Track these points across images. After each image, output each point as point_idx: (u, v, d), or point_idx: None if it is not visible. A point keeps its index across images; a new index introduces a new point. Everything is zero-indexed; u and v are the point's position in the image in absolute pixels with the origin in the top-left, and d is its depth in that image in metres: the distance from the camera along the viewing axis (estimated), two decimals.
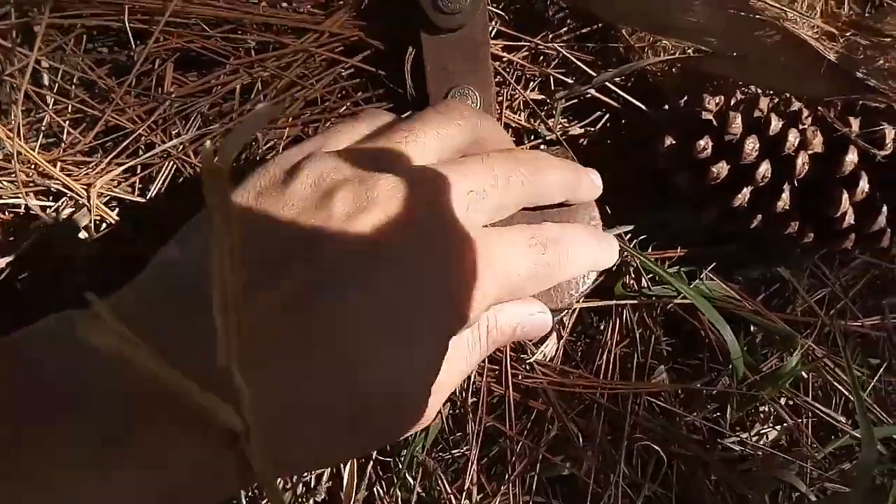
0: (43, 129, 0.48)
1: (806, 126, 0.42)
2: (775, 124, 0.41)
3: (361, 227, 0.30)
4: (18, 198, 0.46)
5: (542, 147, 0.49)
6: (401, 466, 0.44)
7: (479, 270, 0.32)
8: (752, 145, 0.41)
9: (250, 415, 0.24)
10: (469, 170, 0.34)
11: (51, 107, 0.48)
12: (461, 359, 0.35)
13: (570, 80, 0.49)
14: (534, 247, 0.35)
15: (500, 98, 0.49)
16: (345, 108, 0.49)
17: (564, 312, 0.47)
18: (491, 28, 0.48)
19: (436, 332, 0.31)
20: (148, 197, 0.47)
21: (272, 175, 0.32)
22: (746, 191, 0.42)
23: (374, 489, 0.45)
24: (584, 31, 0.49)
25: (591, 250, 0.38)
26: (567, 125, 0.50)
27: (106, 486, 0.24)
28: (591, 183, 0.41)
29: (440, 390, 0.33)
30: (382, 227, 0.30)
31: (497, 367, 0.46)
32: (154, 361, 0.22)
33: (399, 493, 0.45)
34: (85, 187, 0.46)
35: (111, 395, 0.25)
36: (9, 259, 0.45)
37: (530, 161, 0.37)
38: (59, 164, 0.47)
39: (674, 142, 0.44)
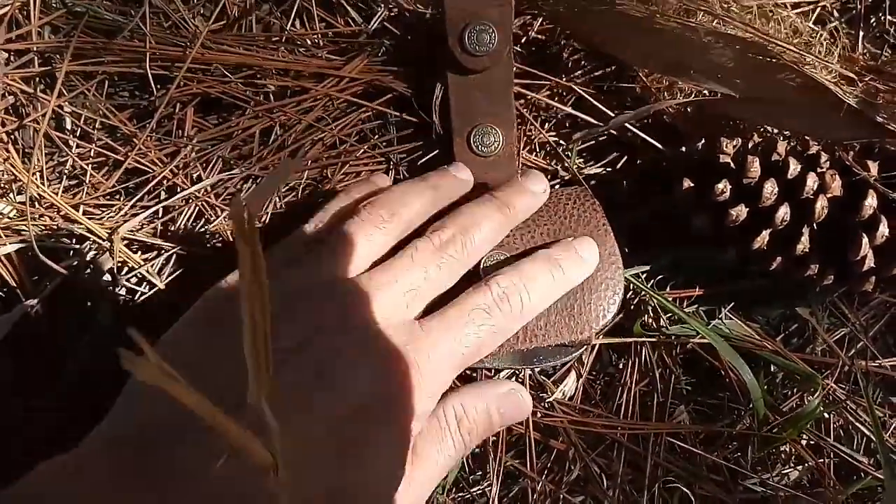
0: (66, 172, 0.49)
1: (825, 169, 0.42)
2: (793, 168, 0.42)
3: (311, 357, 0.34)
4: (41, 242, 0.46)
5: (556, 187, 0.49)
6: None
7: (412, 371, 0.36)
8: (770, 189, 0.42)
9: (278, 450, 0.25)
10: (399, 271, 0.39)
11: (73, 150, 0.49)
12: (431, 457, 0.37)
13: (587, 120, 0.49)
14: (473, 316, 0.39)
15: (519, 136, 0.50)
16: (363, 150, 0.50)
17: (584, 349, 0.47)
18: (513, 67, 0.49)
19: (388, 444, 0.35)
20: (170, 240, 0.47)
21: None
22: (766, 233, 0.43)
23: None
24: (598, 73, 0.50)
25: (553, 283, 0.42)
26: (583, 165, 0.50)
27: None
28: (525, 205, 0.45)
29: (418, 491, 0.36)
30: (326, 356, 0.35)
31: None
32: (193, 396, 0.22)
33: None
34: (108, 231, 0.46)
35: None
36: (33, 302, 0.45)
37: (458, 234, 0.41)
38: (81, 207, 0.47)
39: (692, 185, 0.44)
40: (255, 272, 0.24)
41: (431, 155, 0.49)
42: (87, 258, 0.47)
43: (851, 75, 0.42)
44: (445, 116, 0.47)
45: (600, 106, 0.49)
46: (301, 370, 0.34)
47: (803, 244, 0.42)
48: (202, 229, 0.48)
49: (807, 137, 0.45)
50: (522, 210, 0.44)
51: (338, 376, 0.34)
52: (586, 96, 0.49)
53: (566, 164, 0.49)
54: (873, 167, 0.42)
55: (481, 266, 0.43)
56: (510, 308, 0.40)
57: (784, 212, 0.42)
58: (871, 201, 0.41)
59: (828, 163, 0.43)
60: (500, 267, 0.43)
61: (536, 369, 0.47)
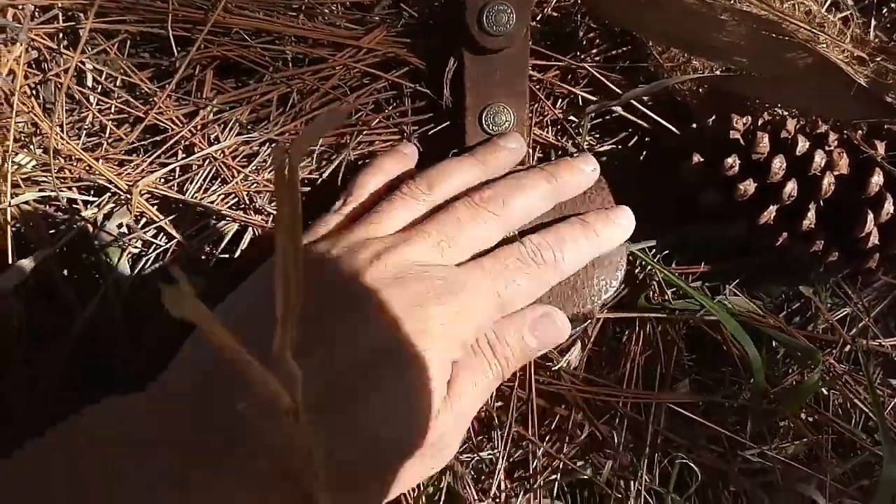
0: (85, 128, 0.50)
1: (832, 148, 0.43)
2: (802, 145, 0.43)
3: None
4: (61, 192, 0.47)
5: None
6: None
7: (441, 309, 0.36)
8: (779, 164, 0.42)
9: (300, 398, 0.26)
10: (434, 224, 0.40)
11: (94, 106, 0.50)
12: (467, 389, 0.38)
13: (599, 99, 0.50)
14: (509, 263, 0.40)
15: (530, 115, 0.51)
16: (378, 120, 0.51)
17: (588, 322, 0.48)
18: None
19: (411, 383, 0.35)
20: (187, 196, 0.48)
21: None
22: (773, 208, 0.44)
23: None
24: (613, 51, 0.51)
25: (587, 242, 0.43)
26: (595, 143, 0.51)
27: None
28: (574, 181, 0.45)
29: (454, 423, 0.37)
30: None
31: (522, 373, 0.47)
32: (225, 336, 0.23)
33: (428, 491, 0.45)
34: (127, 184, 0.47)
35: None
36: (48, 252, 0.46)
37: (500, 193, 0.42)
38: (100, 161, 0.48)
39: (702, 160, 0.45)
40: (291, 221, 0.25)
41: (441, 127, 0.50)
42: (105, 210, 0.47)
43: (863, 56, 0.43)
44: (457, 92, 0.48)
45: (612, 86, 0.49)
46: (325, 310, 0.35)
47: (809, 220, 0.43)
48: (218, 189, 0.48)
49: (816, 116, 0.46)
50: (570, 184, 0.45)
51: (358, 317, 0.35)
52: (598, 76, 0.50)
53: (576, 141, 0.50)
54: (880, 147, 0.43)
55: None
56: (544, 260, 0.41)
57: (791, 187, 0.43)
58: (877, 178, 0.42)
59: (836, 141, 0.44)
60: (507, 240, 0.43)
61: None
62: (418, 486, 0.46)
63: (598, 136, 0.51)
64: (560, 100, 0.51)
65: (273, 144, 0.49)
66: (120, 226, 0.47)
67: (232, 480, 0.30)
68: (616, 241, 0.44)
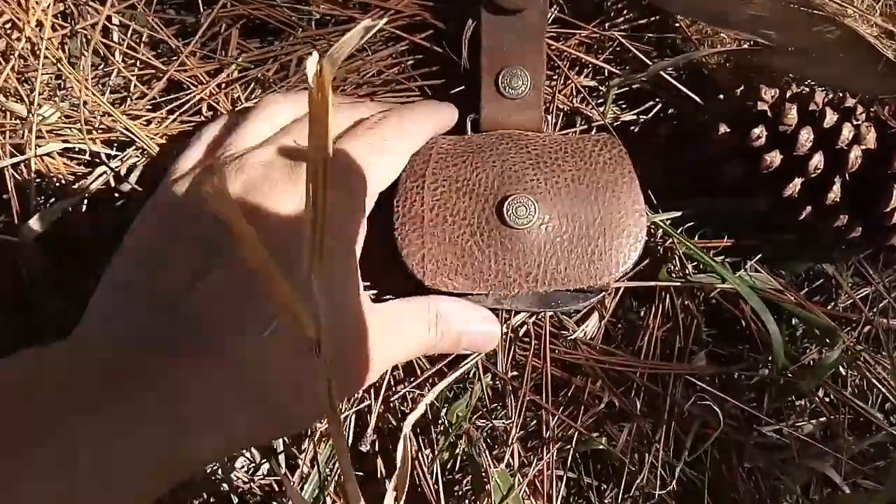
0: (111, 83, 0.50)
1: (860, 121, 0.43)
2: (830, 117, 0.42)
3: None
4: (84, 144, 0.47)
5: (593, 131, 0.50)
6: (448, 429, 0.45)
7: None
8: (806, 136, 0.42)
9: (322, 325, 0.26)
10: None
11: (119, 61, 0.50)
12: (405, 329, 0.40)
13: (625, 69, 0.50)
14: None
15: (554, 83, 0.51)
16: (398, 81, 0.51)
17: (602, 296, 0.48)
18: (549, 13, 0.49)
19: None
20: None
21: None
22: (798, 181, 0.43)
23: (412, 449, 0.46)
24: (640, 21, 0.50)
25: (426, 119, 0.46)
26: (619, 112, 0.51)
27: None
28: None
29: (382, 349, 0.38)
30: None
31: (537, 342, 0.47)
32: (261, 250, 0.23)
33: (443, 456, 0.45)
34: (151, 137, 0.47)
35: None
36: (73, 202, 0.46)
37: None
38: (125, 115, 0.48)
39: (728, 130, 0.45)
40: (321, 135, 0.25)
41: (458, 90, 0.50)
42: (129, 162, 0.47)
43: (893, 29, 0.43)
44: (475, 54, 0.48)
45: (640, 55, 0.49)
46: None
47: (834, 193, 0.43)
48: None
49: (844, 91, 0.46)
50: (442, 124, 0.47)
51: None
52: (626, 44, 0.49)
53: (600, 111, 0.50)
54: None
55: (505, 204, 0.43)
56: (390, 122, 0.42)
57: (818, 160, 0.42)
58: None
59: (863, 115, 0.43)
60: (525, 207, 0.43)
61: (556, 312, 0.47)
62: (432, 451, 0.46)
63: (622, 105, 0.51)
64: (584, 68, 0.51)
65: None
66: (143, 177, 0.48)
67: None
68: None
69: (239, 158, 0.38)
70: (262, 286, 0.25)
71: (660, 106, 0.50)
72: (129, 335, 0.33)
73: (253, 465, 0.49)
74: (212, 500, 0.49)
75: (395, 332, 0.39)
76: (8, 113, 0.47)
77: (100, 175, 0.47)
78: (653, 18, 0.50)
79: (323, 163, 0.25)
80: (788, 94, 0.45)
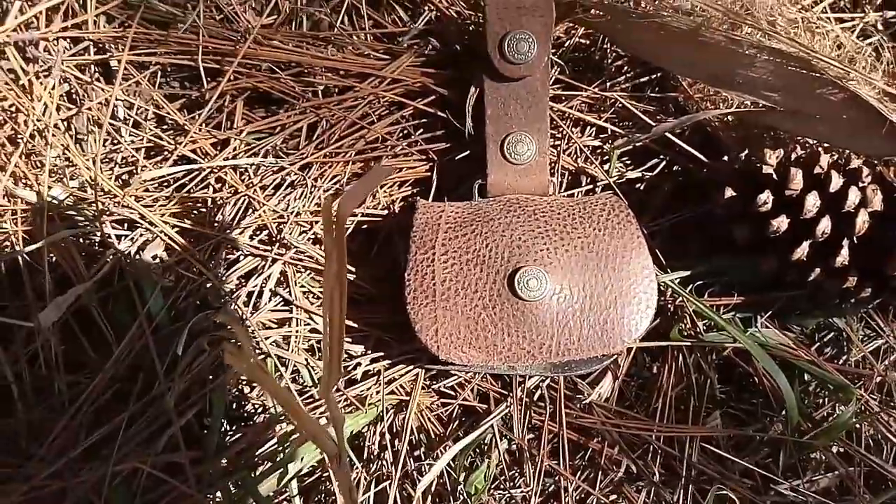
0: (118, 160, 0.50)
1: (866, 184, 0.43)
2: (836, 181, 0.43)
3: None
4: (95, 226, 0.47)
5: (598, 190, 0.51)
6: (468, 500, 0.46)
7: None
8: (812, 201, 0.42)
9: (344, 440, 0.27)
10: None
11: (126, 139, 0.50)
12: None
13: (627, 127, 0.50)
14: None
15: (558, 143, 0.51)
16: (402, 147, 0.51)
17: (615, 357, 0.48)
18: (550, 76, 0.50)
19: None
20: (216, 228, 0.48)
21: None
22: (806, 245, 0.44)
23: None
24: (642, 79, 0.51)
25: None
26: (624, 169, 0.51)
27: None
28: None
29: None
30: None
31: (552, 406, 0.47)
32: (281, 390, 0.24)
33: None
34: (159, 217, 0.48)
35: None
36: (85, 287, 0.46)
37: None
38: (133, 194, 0.48)
39: (734, 194, 0.45)
40: (338, 270, 0.25)
41: (464, 155, 0.50)
42: (138, 243, 0.48)
43: (894, 92, 0.43)
44: (480, 120, 0.48)
45: (641, 115, 0.49)
46: None
47: (843, 257, 0.43)
48: (249, 220, 0.49)
49: (849, 152, 0.46)
50: None
51: None
52: (627, 105, 0.50)
53: (605, 170, 0.50)
54: None
55: (517, 276, 0.44)
56: None
57: (825, 224, 0.43)
58: None
59: (869, 177, 0.44)
60: (536, 279, 0.43)
61: (569, 376, 0.48)
62: None
63: (627, 162, 0.51)
64: (587, 128, 0.51)
65: (302, 174, 0.49)
66: (155, 257, 0.48)
67: None
68: None
69: None
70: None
71: (664, 163, 0.50)
72: None
73: None
74: None
75: None
76: (19, 199, 0.47)
77: (111, 256, 0.47)
78: (653, 77, 0.50)
79: (339, 293, 0.26)
80: (793, 157, 0.45)
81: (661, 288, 0.48)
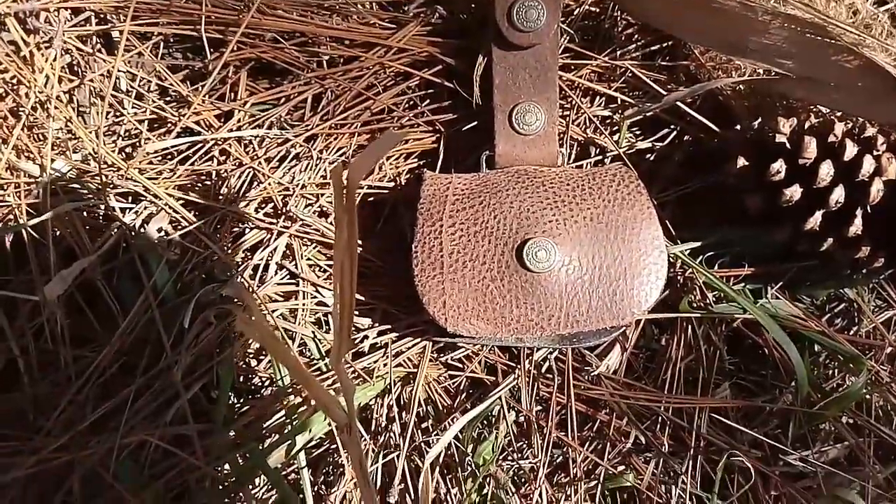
0: (121, 133, 0.50)
1: (881, 152, 0.42)
2: (850, 150, 0.42)
3: None
4: (99, 199, 0.47)
5: (607, 161, 0.50)
6: (476, 471, 0.46)
7: None
8: (826, 170, 0.42)
9: (354, 409, 0.26)
10: None
11: (129, 111, 0.49)
12: None
13: (638, 96, 0.49)
14: None
15: (567, 113, 0.50)
16: (408, 118, 0.50)
17: (624, 328, 0.48)
18: (559, 44, 0.49)
19: None
20: (221, 201, 0.48)
21: None
22: (819, 214, 0.43)
23: (440, 491, 0.47)
24: (652, 48, 0.50)
25: None
26: (634, 140, 0.50)
27: None
28: None
29: None
30: None
31: (560, 378, 0.47)
32: (291, 357, 0.23)
33: (472, 498, 0.46)
34: (163, 190, 0.47)
35: None
36: (89, 260, 0.46)
37: None
38: (137, 167, 0.48)
39: (746, 163, 0.44)
40: (348, 238, 0.25)
41: (471, 126, 0.50)
42: (143, 216, 0.47)
43: None
44: (487, 90, 0.47)
45: (652, 84, 0.49)
46: None
47: (856, 226, 0.42)
48: (254, 193, 0.48)
49: (863, 119, 0.45)
50: None
51: None
52: (638, 74, 0.49)
53: (616, 139, 0.50)
54: None
55: (525, 247, 0.43)
56: None
57: (839, 194, 0.42)
58: None
59: (884, 145, 0.43)
60: (545, 251, 0.43)
61: (577, 347, 0.48)
62: (461, 491, 0.46)
63: (637, 132, 0.51)
64: (597, 98, 0.51)
65: (307, 146, 0.49)
66: (160, 230, 0.47)
67: None
68: None
69: None
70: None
71: (675, 133, 0.50)
72: None
73: None
74: None
75: None
76: (22, 172, 0.47)
77: (116, 229, 0.47)
78: (664, 45, 0.49)
79: (350, 261, 0.25)
80: (807, 126, 0.45)
81: (671, 259, 0.47)
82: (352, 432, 0.29)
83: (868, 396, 0.47)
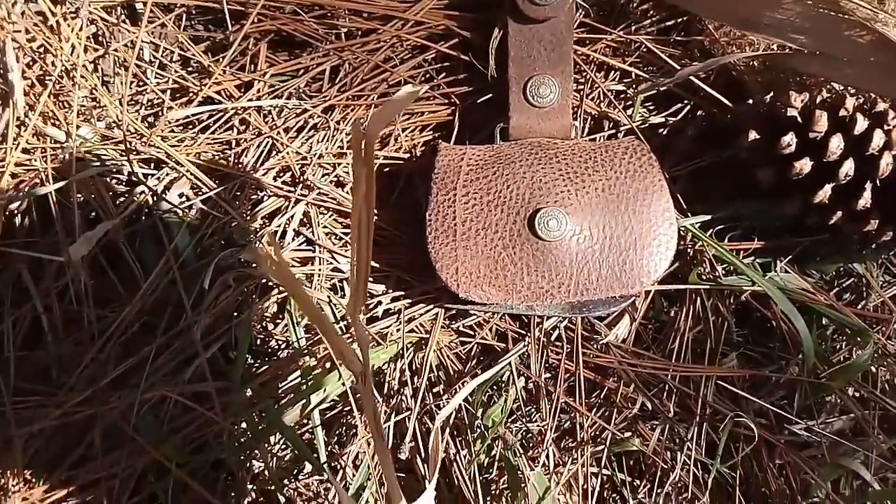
0: (143, 102, 0.51)
1: (891, 127, 0.43)
2: (861, 124, 0.42)
3: None
4: (122, 165, 0.48)
5: (620, 135, 0.51)
6: (485, 433, 0.47)
7: None
8: (836, 143, 0.42)
9: (369, 360, 0.27)
10: None
11: (152, 80, 0.51)
12: None
13: (652, 72, 0.50)
14: None
15: (581, 87, 0.51)
16: (424, 90, 0.51)
17: (633, 299, 0.48)
18: (575, 19, 0.49)
19: None
20: (241, 169, 0.49)
21: None
22: (828, 187, 0.44)
23: (449, 451, 0.48)
24: (667, 23, 0.50)
25: None
26: (647, 115, 0.51)
27: None
28: None
29: None
30: None
31: (569, 346, 0.48)
32: (309, 301, 0.24)
33: (480, 458, 0.47)
34: (185, 156, 0.48)
35: None
36: (113, 223, 0.47)
37: None
38: (159, 134, 0.49)
39: (758, 136, 0.45)
40: (366, 193, 0.26)
41: (486, 98, 0.50)
42: (164, 182, 0.49)
43: None
44: (503, 63, 0.48)
45: (666, 59, 0.49)
46: None
47: (865, 199, 0.43)
48: (272, 161, 0.49)
49: (875, 95, 0.45)
50: None
51: None
52: (652, 48, 0.49)
53: (628, 115, 0.50)
54: None
55: (537, 216, 0.44)
56: None
57: (849, 167, 0.42)
58: None
59: (895, 120, 0.43)
60: (556, 220, 0.44)
61: (587, 316, 0.48)
62: (470, 453, 0.47)
63: (650, 107, 0.51)
64: (611, 72, 0.51)
65: (325, 116, 0.50)
66: (181, 196, 0.49)
67: None
68: None
69: None
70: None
71: (688, 108, 0.50)
72: None
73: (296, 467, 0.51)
74: (260, 500, 0.51)
75: None
76: (48, 137, 0.48)
77: (139, 194, 0.48)
78: (679, 20, 0.50)
79: (367, 214, 0.26)
80: (818, 100, 0.45)
81: (682, 232, 0.48)
82: (366, 381, 0.30)
83: (874, 369, 0.48)
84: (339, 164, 0.50)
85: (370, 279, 0.49)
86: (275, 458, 0.49)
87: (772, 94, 0.46)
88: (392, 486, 0.31)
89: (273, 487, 0.50)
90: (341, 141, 0.51)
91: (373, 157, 0.25)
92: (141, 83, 0.51)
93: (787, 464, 0.47)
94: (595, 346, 0.48)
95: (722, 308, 0.48)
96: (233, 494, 0.49)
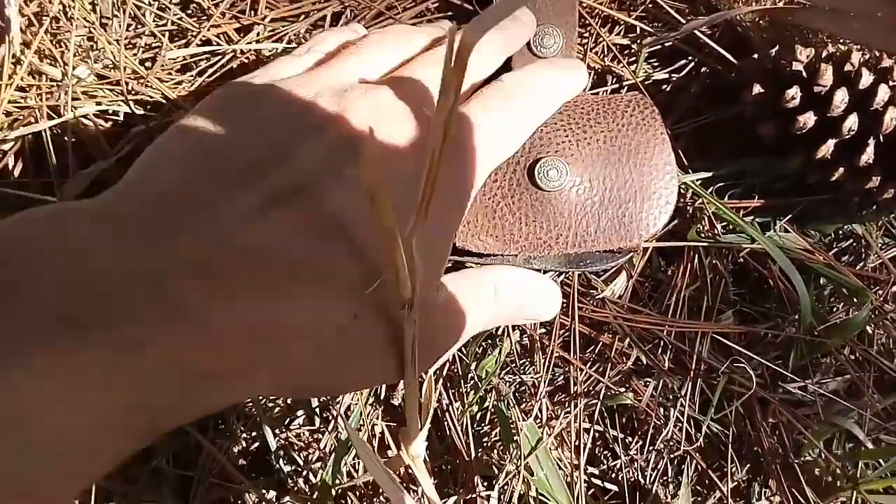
0: (141, 45, 0.50)
1: None
2: (866, 79, 0.42)
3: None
4: (119, 105, 0.48)
5: (623, 90, 0.50)
6: (478, 383, 0.46)
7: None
8: (841, 97, 0.42)
9: (418, 288, 0.27)
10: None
11: (150, 22, 0.50)
12: (464, 308, 0.35)
13: (658, 27, 0.49)
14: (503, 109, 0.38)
15: (585, 41, 0.50)
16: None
17: (632, 255, 0.48)
18: None
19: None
20: None
21: None
22: (831, 143, 0.43)
23: (442, 402, 0.48)
24: None
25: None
26: (651, 70, 0.50)
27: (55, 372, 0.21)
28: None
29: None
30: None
31: (565, 300, 0.48)
32: (389, 212, 0.23)
33: (472, 410, 0.47)
34: (183, 98, 0.48)
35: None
36: (110, 161, 0.47)
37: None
38: (157, 75, 0.48)
39: (762, 90, 0.45)
40: (452, 104, 0.24)
41: None
42: (162, 123, 0.48)
43: None
44: None
45: (673, 13, 0.49)
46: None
47: (868, 155, 0.43)
48: None
49: (881, 51, 0.45)
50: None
51: None
52: (659, 1, 0.49)
53: (631, 69, 0.50)
54: None
55: (537, 166, 0.44)
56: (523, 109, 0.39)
57: (852, 121, 0.42)
58: None
59: None
60: (556, 170, 0.43)
61: (584, 271, 0.48)
62: (463, 404, 0.47)
63: (654, 63, 0.51)
64: (616, 26, 0.51)
65: None
66: None
67: None
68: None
69: (366, 86, 0.34)
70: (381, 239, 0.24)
71: (692, 64, 0.50)
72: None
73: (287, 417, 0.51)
74: (251, 447, 0.51)
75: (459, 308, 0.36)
76: (43, 76, 0.47)
77: (135, 136, 0.48)
78: None
79: (445, 130, 0.25)
80: (824, 55, 0.44)
81: (682, 189, 0.47)
82: (413, 305, 0.28)
83: (871, 330, 0.48)
84: None
85: None
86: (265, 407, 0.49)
87: (777, 48, 0.46)
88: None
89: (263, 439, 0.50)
90: None
91: (464, 69, 0.23)
92: (139, 25, 0.50)
93: (780, 423, 0.47)
94: (591, 301, 0.48)
95: (720, 266, 0.48)
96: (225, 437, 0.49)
